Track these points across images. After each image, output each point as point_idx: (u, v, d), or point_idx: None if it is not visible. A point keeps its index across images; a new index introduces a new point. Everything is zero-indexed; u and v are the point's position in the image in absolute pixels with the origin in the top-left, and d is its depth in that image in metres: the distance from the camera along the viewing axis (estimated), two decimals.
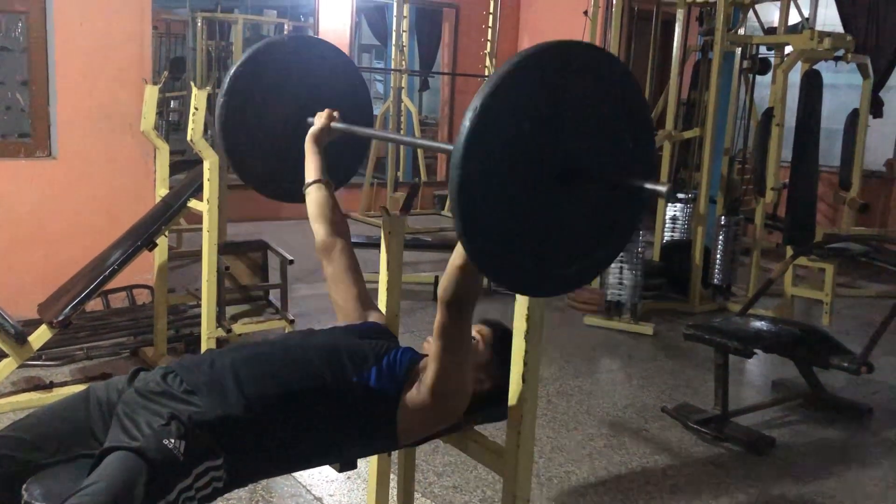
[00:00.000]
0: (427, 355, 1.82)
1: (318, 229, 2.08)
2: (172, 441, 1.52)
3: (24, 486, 1.59)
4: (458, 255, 1.53)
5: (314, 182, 2.09)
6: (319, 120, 2.10)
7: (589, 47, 1.48)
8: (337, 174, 2.22)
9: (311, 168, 2.10)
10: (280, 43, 2.26)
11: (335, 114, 2.11)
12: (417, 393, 1.72)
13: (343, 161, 2.28)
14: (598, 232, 1.53)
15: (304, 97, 2.21)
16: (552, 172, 1.41)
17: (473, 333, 1.89)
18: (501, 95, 1.32)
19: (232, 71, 2.13)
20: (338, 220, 2.09)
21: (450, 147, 1.40)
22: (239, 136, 2.16)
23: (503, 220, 1.38)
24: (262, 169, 2.22)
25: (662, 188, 1.39)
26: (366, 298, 2.08)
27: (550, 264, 1.49)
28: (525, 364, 1.76)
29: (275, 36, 2.21)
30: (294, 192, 2.17)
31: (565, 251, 1.49)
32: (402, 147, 8.30)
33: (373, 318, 2.05)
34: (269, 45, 2.20)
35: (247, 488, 2.50)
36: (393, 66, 7.60)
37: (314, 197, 2.09)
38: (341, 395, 1.73)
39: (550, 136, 1.40)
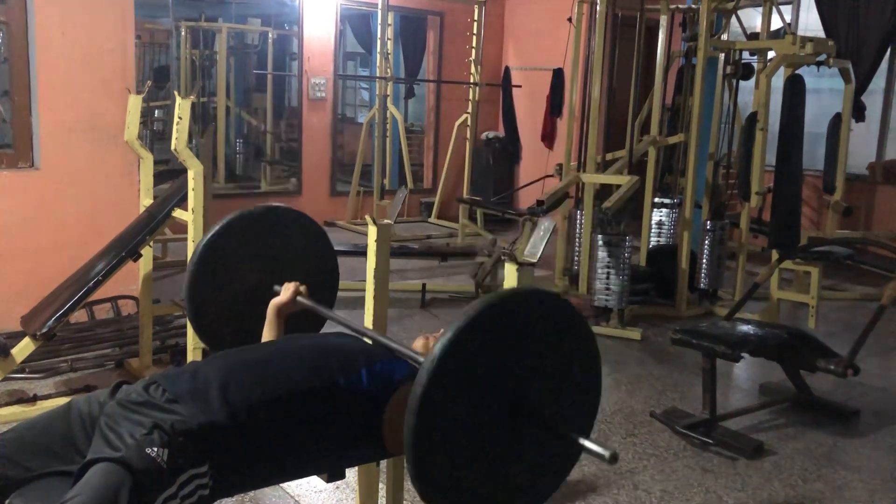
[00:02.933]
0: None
1: None
2: (155, 450, 1.51)
3: (6, 501, 1.57)
4: None
5: None
6: (285, 293, 2.14)
7: (546, 295, 1.62)
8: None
9: (268, 337, 2.14)
10: (256, 213, 2.29)
11: (302, 288, 2.15)
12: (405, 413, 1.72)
13: (301, 329, 2.28)
14: (533, 474, 1.63)
15: (274, 263, 2.25)
16: (503, 409, 1.52)
17: None
18: (468, 334, 1.44)
19: (204, 240, 2.18)
20: None
21: (419, 358, 1.61)
22: (205, 302, 2.20)
23: (455, 455, 1.49)
24: (225, 332, 2.24)
25: (605, 452, 1.46)
26: None
27: (494, 496, 1.59)
28: None
29: (252, 208, 2.25)
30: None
31: (505, 488, 1.59)
32: (388, 155, 8.31)
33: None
34: (242, 215, 2.25)
35: (234, 498, 2.48)
36: (378, 74, 7.60)
37: None
38: (329, 398, 1.72)
39: (505, 374, 1.51)
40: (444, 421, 1.44)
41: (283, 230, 2.30)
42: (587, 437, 1.55)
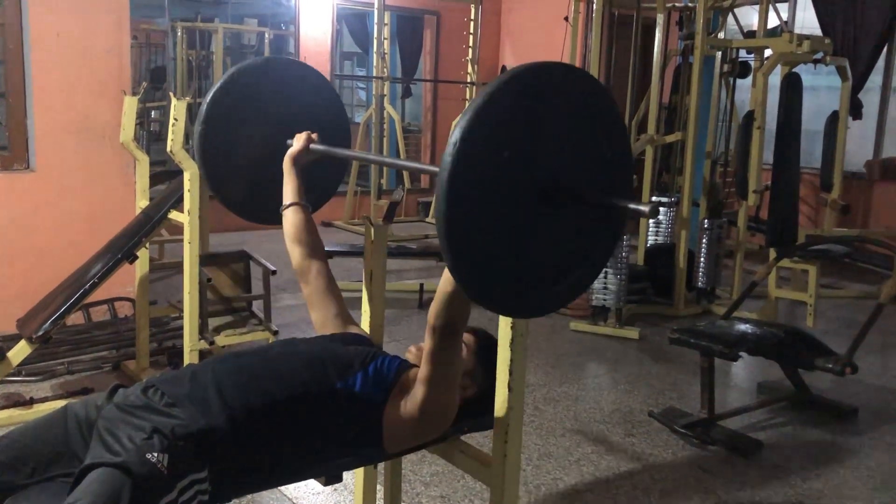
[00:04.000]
0: (414, 365, 1.81)
1: (295, 252, 2.10)
2: (155, 455, 1.49)
3: None
4: (446, 280, 1.52)
5: (291, 205, 2.11)
6: (298, 142, 2.11)
7: (564, 67, 1.49)
8: (315, 194, 2.23)
9: (289, 191, 2.11)
10: (255, 66, 2.25)
11: (314, 136, 2.12)
12: (405, 406, 1.71)
13: (321, 182, 2.28)
14: (580, 250, 1.54)
15: (283, 119, 2.21)
16: (534, 192, 1.42)
17: None
18: (480, 124, 1.33)
19: (208, 97, 2.13)
20: (314, 243, 2.11)
21: (434, 169, 1.41)
22: (218, 161, 2.16)
23: (489, 244, 1.39)
24: (242, 192, 2.22)
25: (645, 208, 1.40)
26: (345, 315, 2.09)
27: (536, 284, 1.50)
28: (511, 373, 1.75)
29: (250, 60, 2.22)
30: (273, 215, 2.18)
31: (550, 270, 1.50)
32: (385, 155, 8.29)
33: (353, 331, 2.04)
34: (245, 68, 2.20)
35: (232, 501, 2.47)
36: (375, 74, 7.59)
37: (291, 219, 2.11)
38: (326, 403, 1.71)
39: (531, 157, 1.41)
40: (473, 218, 1.35)
41: (285, 82, 2.24)
42: (627, 201, 1.45)
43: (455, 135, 1.32)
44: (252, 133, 2.19)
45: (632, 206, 1.43)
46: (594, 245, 1.56)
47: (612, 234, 1.59)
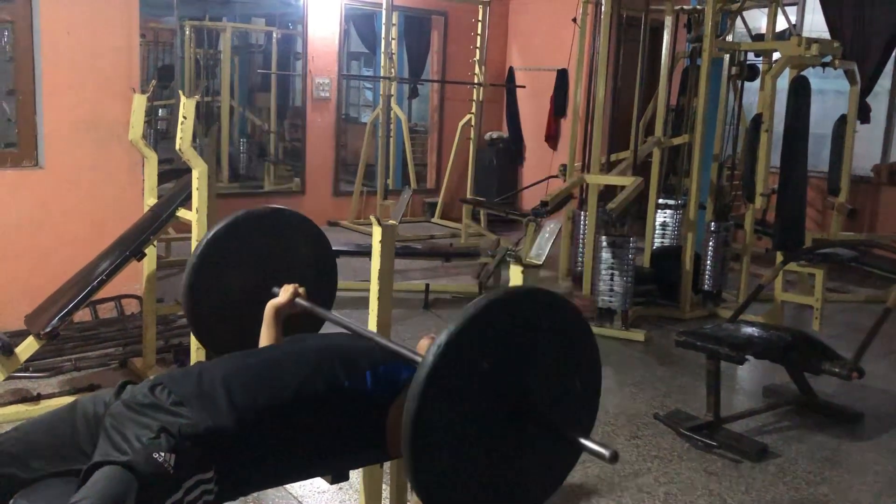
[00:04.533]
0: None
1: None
2: (162, 454, 1.50)
3: (10, 502, 1.57)
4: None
5: None
6: (284, 294, 2.14)
7: (553, 297, 1.60)
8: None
9: (265, 338, 2.13)
10: (254, 214, 2.30)
11: (301, 290, 2.15)
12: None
13: (300, 331, 2.28)
14: (532, 476, 1.62)
15: (274, 265, 2.26)
16: (504, 409, 1.50)
17: None
18: (466, 334, 1.43)
19: (207, 236, 2.19)
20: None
21: (418, 359, 1.54)
22: (204, 299, 2.21)
23: (457, 457, 1.47)
24: (223, 332, 2.25)
25: (605, 452, 1.45)
26: None
27: (494, 499, 1.58)
28: None
29: (248, 210, 2.29)
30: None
31: (504, 488, 1.58)
32: (391, 155, 8.31)
33: None
34: (247, 215, 2.26)
35: (237, 501, 2.48)
36: (382, 74, 7.59)
37: None
38: (333, 402, 1.72)
39: (507, 375, 1.50)
40: (442, 423, 1.43)
41: (285, 232, 2.30)
42: (587, 437, 1.54)
43: (441, 337, 1.40)
44: (242, 273, 2.23)
45: (593, 447, 1.48)
46: (546, 471, 1.65)
47: (567, 465, 1.69)
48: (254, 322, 2.16)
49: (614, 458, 1.43)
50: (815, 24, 7.42)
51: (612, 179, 5.24)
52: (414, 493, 1.48)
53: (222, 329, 2.24)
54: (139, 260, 3.49)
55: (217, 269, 2.19)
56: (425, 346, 1.90)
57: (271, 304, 2.13)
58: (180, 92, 3.64)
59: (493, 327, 1.47)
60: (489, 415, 1.49)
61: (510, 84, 9.05)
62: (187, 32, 8.19)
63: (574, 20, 6.03)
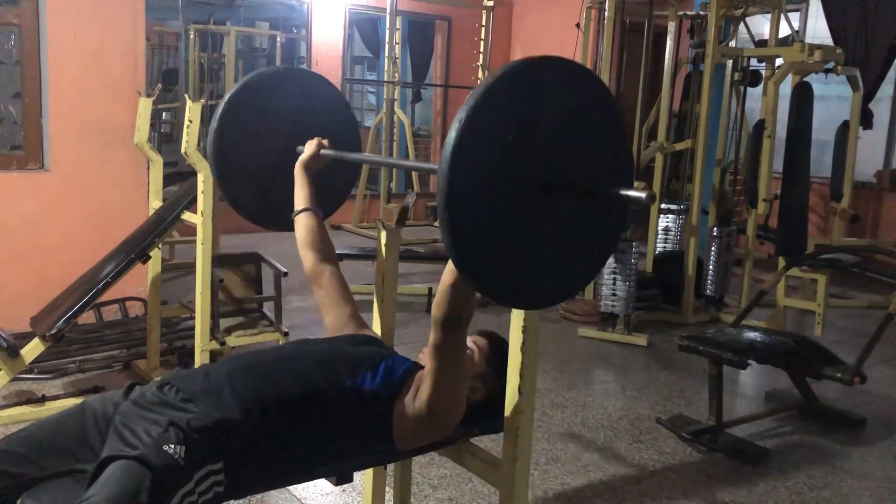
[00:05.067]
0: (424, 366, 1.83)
1: (307, 257, 2.12)
2: (172, 446, 1.52)
3: (19, 502, 1.58)
4: (449, 272, 1.53)
5: (303, 210, 2.13)
6: (308, 148, 2.14)
7: (568, 63, 1.50)
8: (328, 199, 2.25)
9: (301, 196, 2.14)
10: (267, 74, 2.28)
11: (324, 141, 2.15)
12: (412, 404, 1.72)
13: (333, 187, 2.30)
14: (583, 243, 1.55)
15: (294, 126, 2.24)
16: (535, 182, 1.44)
17: (469, 345, 1.90)
18: (485, 109, 1.35)
19: (223, 102, 2.16)
20: (326, 248, 2.13)
21: (435, 167, 1.42)
22: (231, 166, 2.19)
23: (490, 231, 1.40)
24: (254, 198, 2.24)
25: (642, 195, 1.41)
26: (358, 318, 2.11)
27: (539, 275, 1.51)
28: (521, 376, 1.77)
29: (262, 69, 2.28)
30: (284, 221, 2.20)
31: (553, 262, 1.51)
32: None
33: (366, 333, 2.06)
34: (259, 75, 2.23)
35: (241, 501, 2.49)
36: (386, 78, 7.62)
37: (303, 225, 2.13)
38: (336, 400, 1.73)
39: (533, 148, 1.42)
40: (474, 201, 1.35)
41: (297, 91, 2.27)
42: (627, 189, 1.47)
43: (460, 114, 1.33)
44: (263, 139, 2.21)
45: (627, 192, 1.44)
46: (598, 237, 1.57)
47: (616, 225, 1.61)
48: (281, 181, 2.16)
49: (651, 198, 1.40)
50: (818, 30, 7.44)
51: None
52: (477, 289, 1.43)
53: (254, 193, 2.22)
54: (144, 263, 3.51)
55: (240, 132, 2.17)
56: (426, 356, 1.91)
57: (299, 161, 2.13)
58: (186, 96, 3.66)
59: (509, 101, 1.38)
60: (523, 189, 1.42)
61: None
62: (192, 36, 8.22)
63: (577, 25, 6.05)
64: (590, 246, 1.57)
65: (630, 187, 1.52)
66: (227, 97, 2.17)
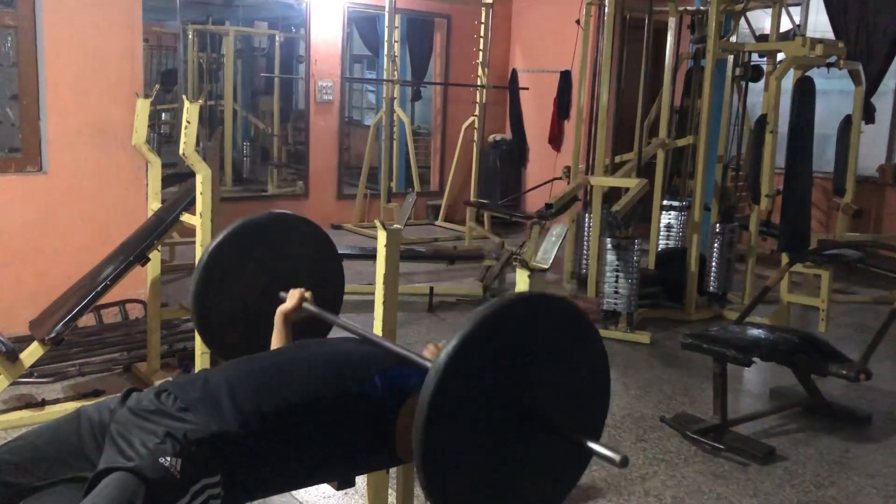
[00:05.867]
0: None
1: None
2: (169, 459, 1.49)
3: None
4: None
5: None
6: (291, 300, 2.13)
7: (560, 302, 1.60)
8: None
9: (276, 344, 2.13)
10: (258, 220, 2.28)
11: (307, 294, 2.14)
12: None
13: (308, 336, 2.26)
14: (545, 481, 1.62)
15: (281, 271, 2.25)
16: (513, 416, 1.50)
17: None
18: (475, 340, 1.42)
19: (209, 248, 2.18)
20: None
21: (427, 364, 1.53)
22: (212, 309, 2.20)
23: (465, 459, 1.47)
24: (232, 338, 2.23)
25: (616, 457, 1.45)
26: None
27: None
28: None
29: (251, 216, 2.29)
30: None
31: (514, 492, 1.57)
32: (395, 158, 8.31)
33: None
34: (246, 223, 2.24)
35: None
36: (385, 77, 7.59)
37: None
38: (340, 409, 1.71)
39: (516, 382, 1.50)
40: (452, 430, 1.43)
41: (288, 237, 2.29)
42: (597, 441, 1.54)
43: (441, 359, 1.39)
44: (248, 282, 2.22)
45: (603, 451, 1.48)
46: (556, 476, 1.64)
47: (577, 469, 1.69)
48: (265, 328, 2.16)
49: (624, 462, 1.43)
50: (820, 24, 7.40)
51: (617, 181, 5.23)
52: (427, 498, 1.47)
53: (235, 337, 2.23)
54: (143, 265, 3.49)
55: (223, 281, 2.19)
56: (430, 353, 1.89)
57: (280, 311, 2.14)
58: (184, 96, 3.64)
59: (502, 333, 1.46)
60: (499, 420, 1.49)
61: (513, 86, 9.04)
62: (190, 36, 8.20)
63: (577, 22, 6.02)
64: (551, 481, 1.64)
65: (597, 437, 1.63)
66: (210, 245, 2.20)
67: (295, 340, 2.13)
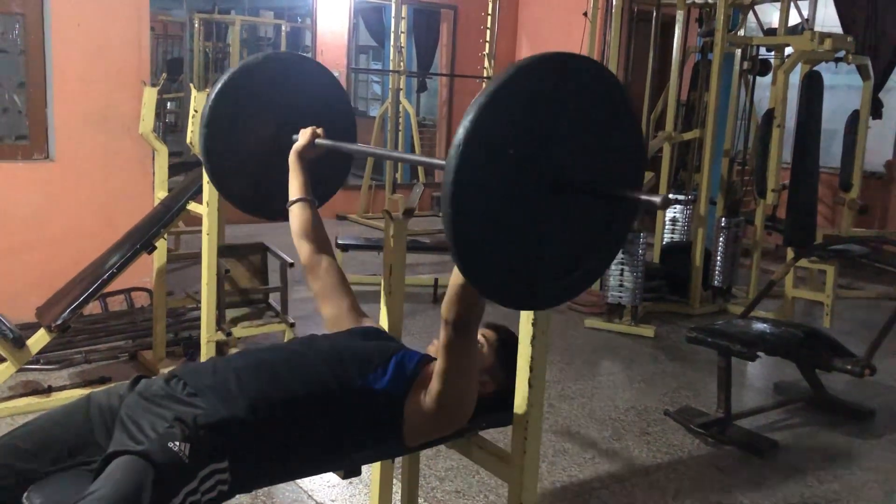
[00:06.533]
0: (435, 359, 1.81)
1: (303, 247, 2.09)
2: (177, 444, 1.50)
3: (24, 496, 1.57)
4: (456, 274, 1.50)
5: (297, 200, 2.09)
6: (303, 137, 2.09)
7: (581, 59, 1.46)
8: (322, 189, 2.21)
9: (295, 186, 2.10)
10: (260, 62, 2.22)
11: (319, 130, 2.10)
12: (423, 400, 1.70)
13: (328, 176, 2.26)
14: (592, 241, 1.52)
15: (287, 114, 2.19)
16: (544, 184, 1.40)
17: (478, 338, 1.87)
18: (494, 109, 1.30)
19: (210, 98, 2.11)
20: (322, 238, 2.10)
21: (442, 162, 1.37)
22: (223, 157, 2.14)
23: (497, 233, 1.36)
24: (248, 189, 2.20)
25: (656, 199, 1.37)
26: (357, 308, 2.08)
27: (548, 276, 1.48)
28: (531, 369, 1.75)
29: (253, 56, 2.22)
30: (278, 211, 2.16)
31: (561, 262, 1.49)
32: (400, 149, 8.29)
33: (368, 325, 2.04)
34: (244, 66, 2.17)
35: (248, 494, 2.48)
36: (391, 68, 7.58)
37: (298, 215, 2.09)
38: (346, 400, 1.71)
39: (543, 148, 1.38)
40: (481, 206, 1.32)
41: (288, 77, 2.21)
42: (638, 199, 1.43)
43: (459, 133, 1.29)
44: (255, 128, 2.17)
45: (643, 197, 1.41)
46: (606, 236, 1.54)
47: (624, 224, 1.58)
48: (278, 173, 2.12)
49: (666, 203, 1.36)
50: (828, 18, 7.37)
51: None
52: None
53: (248, 184, 2.18)
54: (150, 253, 3.50)
55: (231, 128, 2.13)
56: (435, 348, 1.89)
57: (293, 150, 2.09)
58: (191, 85, 3.63)
59: (515, 105, 1.33)
60: (531, 194, 1.38)
61: None
62: (196, 25, 8.19)
63: (584, 14, 6.00)
64: (599, 243, 1.53)
65: (640, 186, 1.50)
66: (212, 93, 2.12)
67: (313, 182, 2.10)
